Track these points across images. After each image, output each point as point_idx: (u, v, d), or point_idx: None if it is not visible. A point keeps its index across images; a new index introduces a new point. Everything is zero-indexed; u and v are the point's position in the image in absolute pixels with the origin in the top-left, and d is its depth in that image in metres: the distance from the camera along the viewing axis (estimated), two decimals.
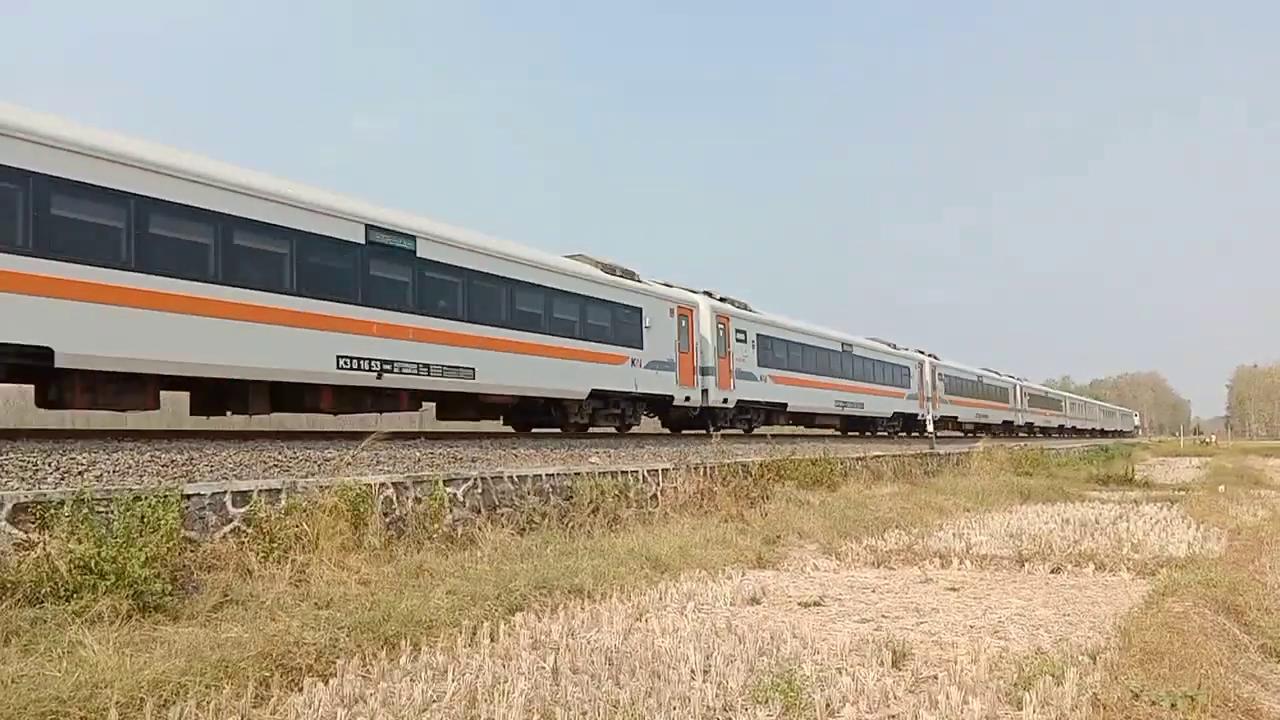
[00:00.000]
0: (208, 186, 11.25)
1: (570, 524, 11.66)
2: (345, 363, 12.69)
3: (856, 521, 14.59)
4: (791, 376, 26.16)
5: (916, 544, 12.76)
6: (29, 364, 9.71)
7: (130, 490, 7.57)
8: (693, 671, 6.07)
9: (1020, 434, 50.58)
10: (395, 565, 8.67)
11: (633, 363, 19.00)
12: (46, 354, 9.60)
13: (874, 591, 9.48)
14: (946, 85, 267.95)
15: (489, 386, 15.27)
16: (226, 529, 8.16)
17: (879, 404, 32.91)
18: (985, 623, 7.86)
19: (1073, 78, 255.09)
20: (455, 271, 14.77)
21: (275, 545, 8.17)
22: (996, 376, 48.80)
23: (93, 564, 6.63)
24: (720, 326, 22.62)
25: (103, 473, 8.31)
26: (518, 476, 11.64)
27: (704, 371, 21.77)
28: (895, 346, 36.40)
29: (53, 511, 7.03)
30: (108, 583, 6.56)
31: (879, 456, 22.93)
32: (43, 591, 6.45)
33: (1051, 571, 10.74)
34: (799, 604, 8.68)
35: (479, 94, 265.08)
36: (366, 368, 12.98)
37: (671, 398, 20.35)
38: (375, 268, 13.34)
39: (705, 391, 21.71)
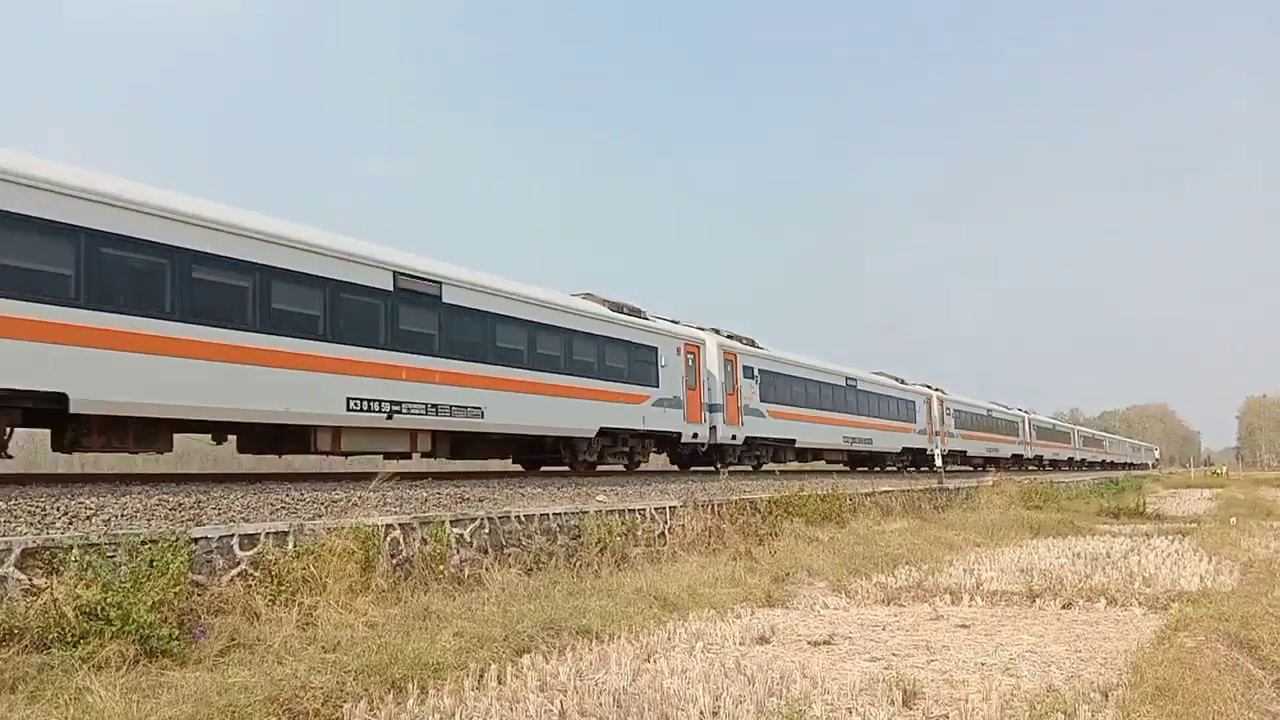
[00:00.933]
0: (246, 238, 11.75)
1: (577, 563, 11.61)
2: (355, 404, 12.97)
3: (866, 558, 14.51)
4: (798, 412, 26.35)
5: (927, 580, 12.68)
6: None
7: (138, 534, 7.57)
8: (701, 713, 6.03)
9: (1030, 467, 50.76)
10: (402, 607, 8.64)
11: (641, 400, 19.08)
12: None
13: (884, 629, 9.41)
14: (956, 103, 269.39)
15: (498, 425, 15.51)
16: (234, 572, 8.15)
17: (887, 439, 33.18)
18: (996, 660, 7.80)
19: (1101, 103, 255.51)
20: (478, 314, 15.36)
21: (282, 588, 8.15)
22: (1005, 410, 49.08)
23: (100, 609, 6.61)
24: (728, 363, 22.76)
25: (110, 517, 8.32)
26: (525, 516, 11.62)
27: (711, 409, 21.87)
28: (902, 381, 36.71)
29: (61, 556, 7.04)
30: (114, 628, 6.54)
31: (888, 492, 22.83)
32: (50, 638, 6.43)
33: (1063, 607, 10.66)
34: (809, 643, 8.62)
35: (488, 126, 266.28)
36: (376, 409, 13.27)
37: (680, 434, 20.50)
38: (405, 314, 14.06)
39: (713, 428, 21.84)
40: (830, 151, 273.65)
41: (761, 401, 24.10)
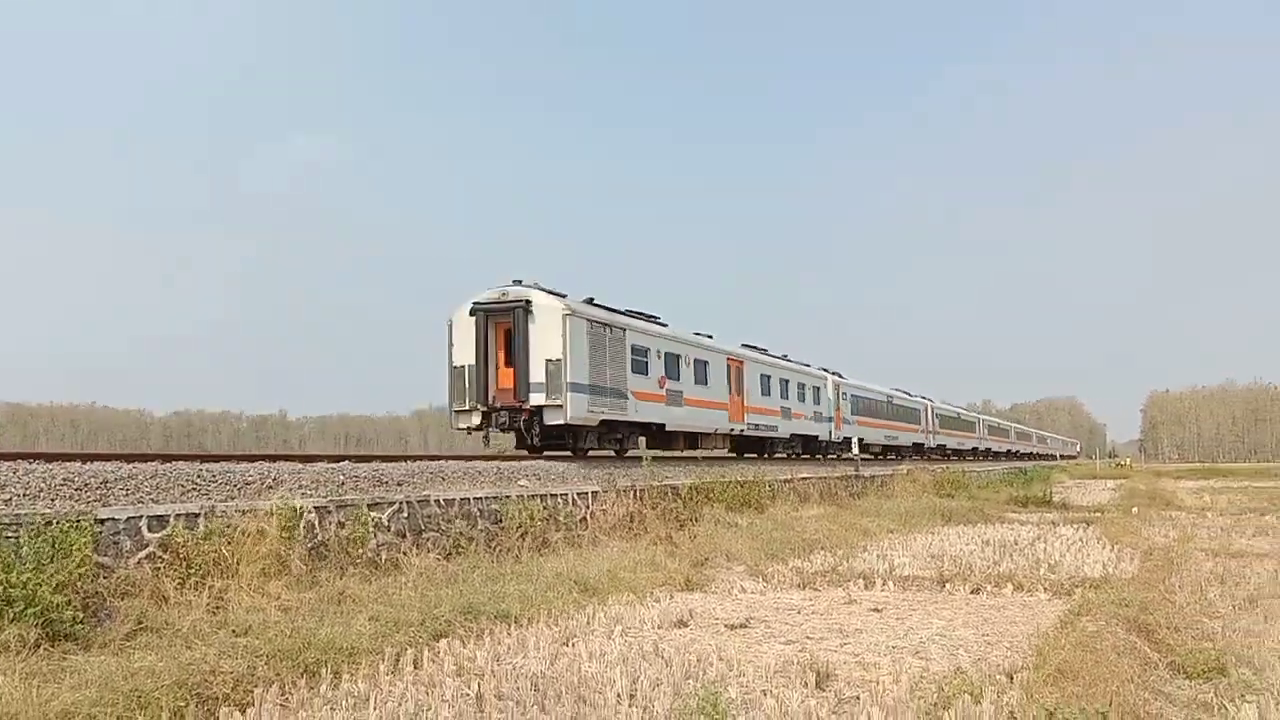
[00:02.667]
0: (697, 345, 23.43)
1: (498, 548, 11.57)
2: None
3: (783, 543, 14.72)
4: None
5: (841, 565, 12.93)
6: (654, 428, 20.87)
7: (41, 514, 7.31)
8: (619, 696, 6.07)
9: (932, 456, 48.60)
10: (317, 591, 8.51)
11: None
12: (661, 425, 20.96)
13: (800, 613, 9.58)
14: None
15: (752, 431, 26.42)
16: (142, 554, 7.94)
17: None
18: (907, 643, 8.00)
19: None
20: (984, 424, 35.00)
21: (193, 571, 7.96)
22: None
23: (0, 591, 6.39)
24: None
25: (12, 496, 8.01)
26: (445, 500, 11.52)
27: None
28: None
29: None
30: (15, 610, 6.32)
31: (806, 479, 23.21)
32: None
33: (972, 592, 10.97)
34: (726, 626, 8.73)
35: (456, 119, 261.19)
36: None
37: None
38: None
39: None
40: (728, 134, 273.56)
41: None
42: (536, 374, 17.03)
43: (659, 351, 20.89)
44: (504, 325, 17.72)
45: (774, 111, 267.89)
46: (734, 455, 27.82)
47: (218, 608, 7.62)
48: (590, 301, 19.00)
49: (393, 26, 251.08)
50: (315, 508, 9.69)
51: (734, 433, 25.76)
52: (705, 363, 23.61)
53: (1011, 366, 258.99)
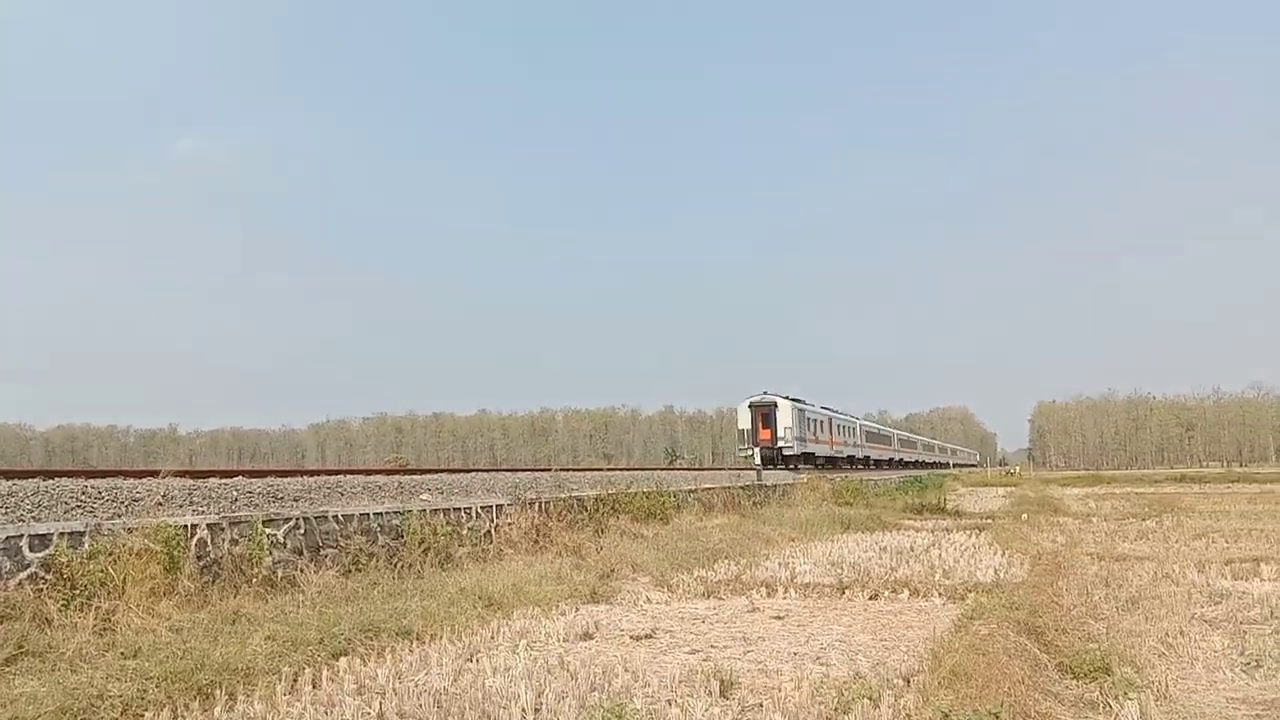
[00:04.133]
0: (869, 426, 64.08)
1: (400, 564, 11.38)
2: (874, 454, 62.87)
3: (688, 553, 14.84)
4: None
5: (745, 574, 13.09)
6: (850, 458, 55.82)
7: None
8: (524, 710, 6.03)
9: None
10: (210, 611, 8.24)
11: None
12: (887, 460, 69.51)
13: (704, 622, 9.67)
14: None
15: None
16: (23, 575, 7.57)
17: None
18: (808, 650, 8.15)
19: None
20: (897, 438, 78.36)
21: (78, 592, 7.63)
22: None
23: None
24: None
25: None
26: (343, 515, 11.29)
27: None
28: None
29: None
30: None
31: (710, 489, 23.43)
32: None
33: (870, 598, 11.23)
34: (631, 637, 8.75)
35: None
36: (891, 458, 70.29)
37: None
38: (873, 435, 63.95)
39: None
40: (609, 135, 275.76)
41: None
42: (779, 432, 43.08)
43: (815, 420, 48.99)
44: (762, 411, 43.65)
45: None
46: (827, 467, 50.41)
47: (105, 629, 7.31)
48: (797, 399, 45.74)
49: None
50: (208, 525, 9.39)
51: (830, 454, 52.03)
52: (825, 421, 51.87)
53: (905, 376, 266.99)
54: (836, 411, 57.96)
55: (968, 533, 19.91)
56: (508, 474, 18.89)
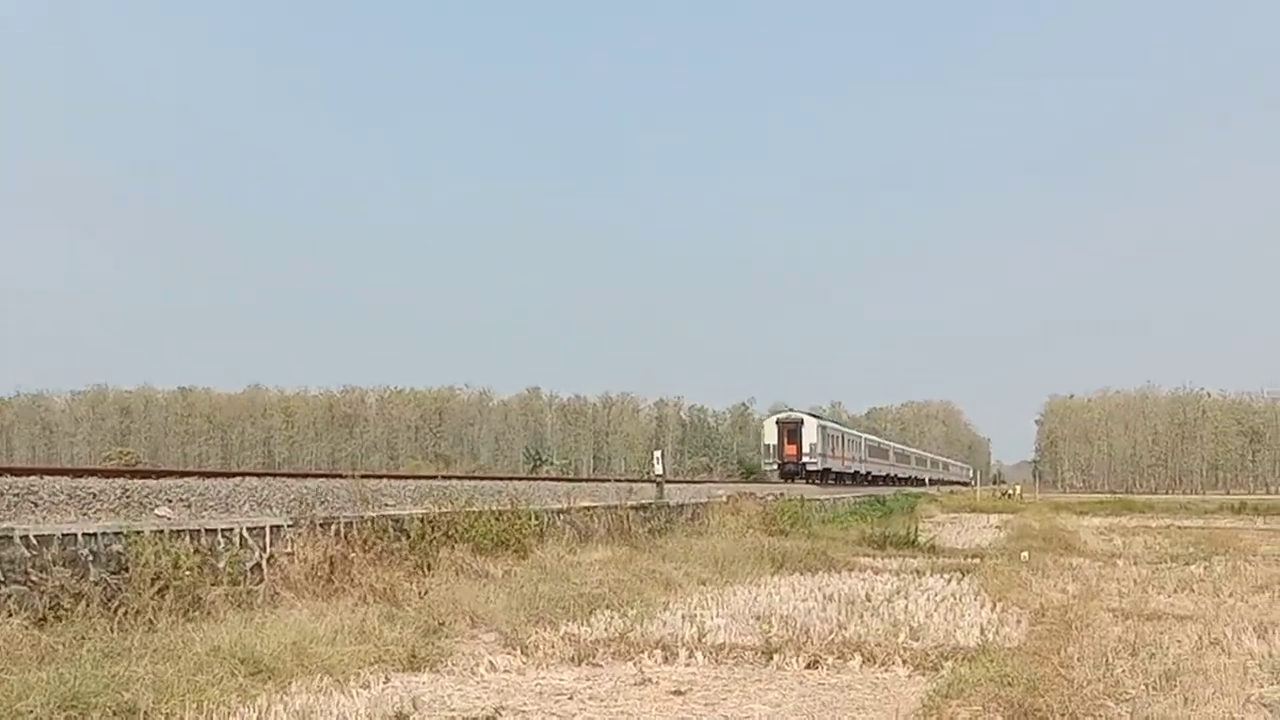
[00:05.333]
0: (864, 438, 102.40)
1: (122, 610, 11.07)
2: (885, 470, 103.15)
3: (554, 600, 14.83)
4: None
5: (633, 630, 13.16)
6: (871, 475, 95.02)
7: None
8: None
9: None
10: None
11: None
12: (885, 475, 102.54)
13: (572, 699, 9.68)
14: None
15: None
16: None
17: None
18: None
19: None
20: (893, 452, 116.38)
21: None
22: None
23: None
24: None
25: None
26: (36, 537, 10.91)
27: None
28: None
29: None
30: None
31: (589, 509, 23.46)
32: None
33: (807, 666, 11.41)
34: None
35: None
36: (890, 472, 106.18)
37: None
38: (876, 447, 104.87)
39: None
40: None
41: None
42: (805, 448, 72.19)
43: (835, 436, 78.96)
44: (788, 427, 73.22)
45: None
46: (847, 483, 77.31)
47: None
48: (818, 415, 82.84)
49: None
50: None
51: (840, 470, 78.43)
52: (852, 440, 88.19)
53: (865, 356, 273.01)
54: (847, 427, 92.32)
55: (946, 576, 20.42)
56: (291, 481, 18.58)
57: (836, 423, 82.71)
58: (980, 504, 72.51)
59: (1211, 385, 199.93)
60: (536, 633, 12.84)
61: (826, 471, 73.62)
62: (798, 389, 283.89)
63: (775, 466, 72.65)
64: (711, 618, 14.37)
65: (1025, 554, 25.72)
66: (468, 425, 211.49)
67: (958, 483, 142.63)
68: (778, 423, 74.30)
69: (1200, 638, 13.05)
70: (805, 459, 71.65)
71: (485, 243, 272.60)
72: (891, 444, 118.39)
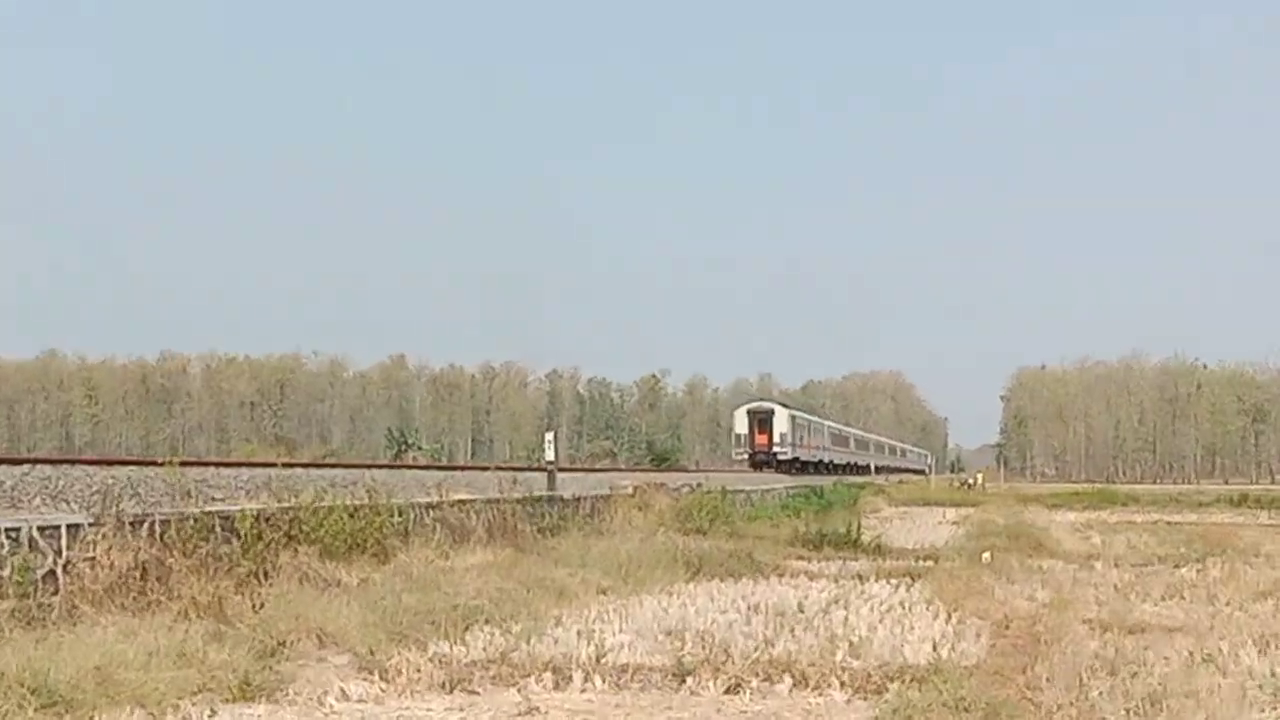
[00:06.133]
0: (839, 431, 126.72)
1: None
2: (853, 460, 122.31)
3: (421, 613, 14.78)
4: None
5: (518, 650, 13.15)
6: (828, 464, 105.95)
7: None
8: None
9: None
10: None
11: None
12: (847, 464, 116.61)
13: None
14: None
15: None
16: None
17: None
18: None
19: None
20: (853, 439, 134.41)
21: None
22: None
23: None
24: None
25: None
26: None
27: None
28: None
29: None
30: None
31: (466, 503, 23.37)
32: None
33: (727, 691, 11.48)
34: None
35: None
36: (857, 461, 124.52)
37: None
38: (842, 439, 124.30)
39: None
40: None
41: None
42: (775, 438, 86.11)
43: (805, 425, 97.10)
44: (759, 417, 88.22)
45: None
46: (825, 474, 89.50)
47: None
48: (787, 405, 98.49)
49: None
50: None
51: (808, 459, 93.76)
52: (817, 428, 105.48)
53: (796, 316, 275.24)
54: (811, 415, 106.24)
55: (894, 582, 20.62)
56: (93, 469, 18.33)
57: (803, 411, 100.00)
58: (935, 496, 73.21)
59: (1208, 354, 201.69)
60: (399, 653, 12.79)
61: (795, 460, 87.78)
62: (718, 359, 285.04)
63: (746, 456, 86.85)
64: (613, 634, 14.40)
65: (987, 555, 26.04)
66: (316, 401, 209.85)
67: (914, 471, 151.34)
68: (749, 412, 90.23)
69: (1192, 654, 13.27)
70: (776, 448, 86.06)
71: (339, 177, 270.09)
72: (852, 430, 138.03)
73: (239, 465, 24.66)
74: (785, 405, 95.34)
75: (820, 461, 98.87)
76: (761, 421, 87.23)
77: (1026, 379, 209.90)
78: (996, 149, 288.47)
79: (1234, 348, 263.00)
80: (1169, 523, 43.74)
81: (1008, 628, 15.19)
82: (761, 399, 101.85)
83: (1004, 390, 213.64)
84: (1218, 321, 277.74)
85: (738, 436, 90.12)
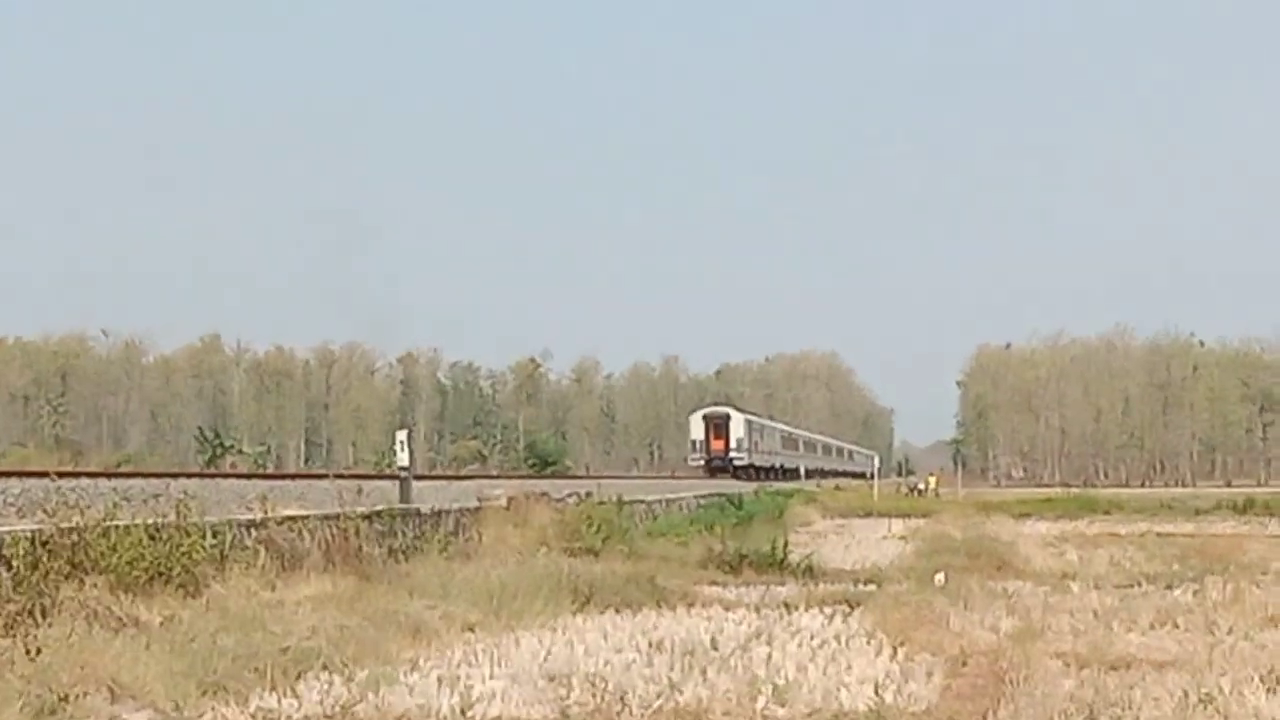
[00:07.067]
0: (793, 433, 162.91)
1: None
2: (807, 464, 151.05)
3: (241, 658, 14.69)
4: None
5: (363, 702, 13.11)
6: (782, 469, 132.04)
7: None
8: None
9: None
10: None
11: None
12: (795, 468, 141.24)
13: None
14: None
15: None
16: None
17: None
18: None
19: None
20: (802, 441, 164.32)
21: None
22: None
23: None
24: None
25: None
26: None
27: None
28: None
29: None
30: None
31: (298, 519, 23.20)
32: None
33: None
34: None
35: None
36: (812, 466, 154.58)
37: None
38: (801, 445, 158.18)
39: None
40: None
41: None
42: (732, 443, 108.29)
43: (761, 429, 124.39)
44: (715, 422, 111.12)
45: None
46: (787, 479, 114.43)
47: None
48: (743, 409, 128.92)
49: None
50: None
51: (765, 465, 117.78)
52: (770, 433, 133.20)
53: (712, 296, 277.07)
54: (766, 420, 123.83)
55: (828, 611, 20.83)
56: None
57: (757, 415, 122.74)
58: (879, 504, 73.68)
59: (1206, 330, 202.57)
60: (213, 708, 12.73)
61: (750, 466, 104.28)
62: (612, 337, 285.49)
63: (702, 462, 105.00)
64: (482, 680, 14.40)
65: (941, 576, 26.38)
66: (107, 394, 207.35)
67: (856, 474, 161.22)
68: (704, 417, 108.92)
69: (1187, 693, 13.49)
70: (733, 454, 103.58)
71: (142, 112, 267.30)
72: (800, 433, 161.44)
73: (8, 475, 24.33)
74: (740, 409, 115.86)
75: (773, 467, 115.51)
76: (718, 427, 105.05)
77: (988, 360, 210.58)
78: (951, 88, 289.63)
79: (1236, 322, 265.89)
80: (1159, 534, 44.39)
81: (965, 665, 15.33)
82: (717, 403, 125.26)
83: (961, 375, 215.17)
84: (1217, 291, 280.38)
85: (693, 442, 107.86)
